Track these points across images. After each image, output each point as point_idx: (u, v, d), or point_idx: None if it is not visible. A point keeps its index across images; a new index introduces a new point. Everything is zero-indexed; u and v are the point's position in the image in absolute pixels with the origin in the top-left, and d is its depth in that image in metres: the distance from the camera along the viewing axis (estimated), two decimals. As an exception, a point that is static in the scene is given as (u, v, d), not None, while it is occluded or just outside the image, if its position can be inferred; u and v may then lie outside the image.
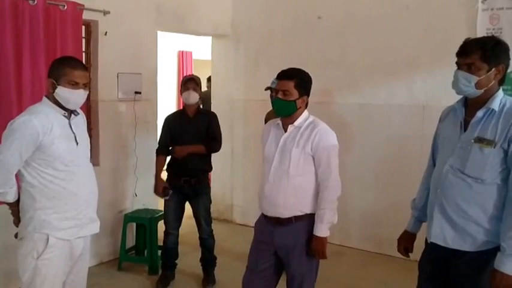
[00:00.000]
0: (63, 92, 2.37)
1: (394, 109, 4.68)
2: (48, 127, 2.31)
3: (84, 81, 2.44)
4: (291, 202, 2.58)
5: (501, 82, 2.12)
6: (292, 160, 2.57)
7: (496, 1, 4.09)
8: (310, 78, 2.70)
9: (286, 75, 2.63)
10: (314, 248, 2.58)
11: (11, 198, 2.41)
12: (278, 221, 2.62)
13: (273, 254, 2.69)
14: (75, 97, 2.40)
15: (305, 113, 2.68)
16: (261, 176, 2.75)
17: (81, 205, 2.45)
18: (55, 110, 2.40)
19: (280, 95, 2.61)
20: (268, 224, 2.69)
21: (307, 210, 2.60)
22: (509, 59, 2.14)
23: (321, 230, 2.56)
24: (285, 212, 2.60)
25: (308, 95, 2.68)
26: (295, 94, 2.59)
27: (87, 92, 2.49)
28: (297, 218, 2.59)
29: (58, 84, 2.36)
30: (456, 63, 2.15)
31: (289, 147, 2.59)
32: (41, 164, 2.33)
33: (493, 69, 2.07)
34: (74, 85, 2.38)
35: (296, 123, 2.63)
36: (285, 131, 2.66)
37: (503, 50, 2.11)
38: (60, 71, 2.38)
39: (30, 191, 2.35)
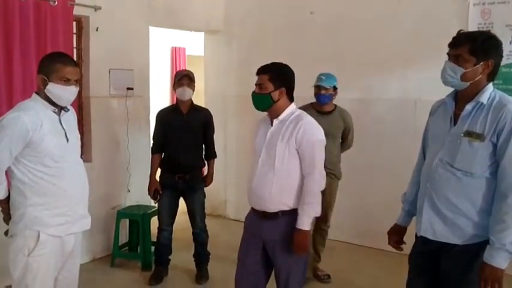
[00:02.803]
0: (54, 89, 2.36)
1: (386, 104, 4.70)
2: (38, 123, 2.30)
3: (76, 77, 2.43)
4: (276, 196, 2.58)
5: (490, 77, 2.12)
6: (277, 154, 2.57)
7: (487, -5, 4.11)
8: (289, 71, 2.70)
9: (261, 69, 2.67)
10: (297, 241, 2.54)
11: (1, 195, 2.41)
12: (265, 215, 2.64)
13: (262, 248, 2.69)
14: (67, 94, 2.39)
15: (291, 107, 2.68)
16: (250, 169, 2.76)
17: (72, 201, 2.44)
18: (45, 107, 2.39)
19: (256, 90, 2.67)
20: (256, 218, 2.70)
21: (293, 205, 2.60)
22: (500, 55, 2.13)
23: (306, 223, 2.55)
24: (271, 206, 2.60)
25: (288, 87, 2.65)
26: (270, 87, 2.61)
27: (78, 89, 2.48)
28: (283, 213, 2.59)
29: (49, 81, 2.35)
30: (447, 53, 2.16)
31: (275, 141, 2.60)
32: (31, 160, 2.32)
33: (481, 63, 2.07)
34: (66, 81, 2.37)
35: (281, 117, 2.64)
36: (272, 125, 2.67)
37: (494, 45, 2.10)
38: (51, 67, 2.37)
39: (21, 187, 2.35)
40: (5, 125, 2.27)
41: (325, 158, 3.81)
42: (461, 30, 2.17)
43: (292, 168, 2.59)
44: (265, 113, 2.74)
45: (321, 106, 3.86)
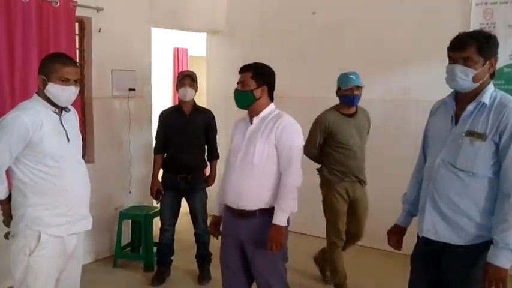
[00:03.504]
0: (54, 89, 2.36)
1: (388, 103, 4.68)
2: (38, 123, 2.30)
3: (75, 77, 2.42)
4: (254, 193, 2.59)
5: (492, 76, 2.13)
6: (256, 151, 2.59)
7: (490, -5, 4.11)
8: (270, 71, 2.76)
9: (244, 67, 2.74)
10: (271, 237, 2.52)
11: (2, 195, 2.42)
12: (242, 214, 2.63)
13: (240, 249, 2.69)
14: (66, 94, 2.39)
15: (271, 107, 2.71)
16: (227, 168, 2.77)
17: (73, 201, 2.44)
18: (45, 107, 2.39)
19: (239, 87, 2.71)
20: (232, 218, 2.69)
21: (271, 203, 2.60)
22: (497, 53, 2.13)
23: (281, 218, 2.54)
24: (249, 204, 2.60)
25: (269, 86, 2.70)
26: (252, 85, 2.66)
27: (78, 89, 2.47)
28: (261, 211, 2.58)
29: (49, 81, 2.35)
30: (450, 57, 2.14)
31: (255, 139, 2.62)
32: (31, 160, 2.32)
33: (487, 63, 2.08)
34: (65, 81, 2.37)
35: (261, 115, 2.67)
36: (251, 124, 2.69)
37: (495, 43, 2.12)
38: (50, 67, 2.37)
39: (21, 187, 2.34)
40: (5, 124, 2.28)
41: (360, 167, 3.75)
42: (464, 31, 2.17)
43: (271, 165, 2.60)
44: (244, 115, 2.77)
45: (348, 108, 3.64)
